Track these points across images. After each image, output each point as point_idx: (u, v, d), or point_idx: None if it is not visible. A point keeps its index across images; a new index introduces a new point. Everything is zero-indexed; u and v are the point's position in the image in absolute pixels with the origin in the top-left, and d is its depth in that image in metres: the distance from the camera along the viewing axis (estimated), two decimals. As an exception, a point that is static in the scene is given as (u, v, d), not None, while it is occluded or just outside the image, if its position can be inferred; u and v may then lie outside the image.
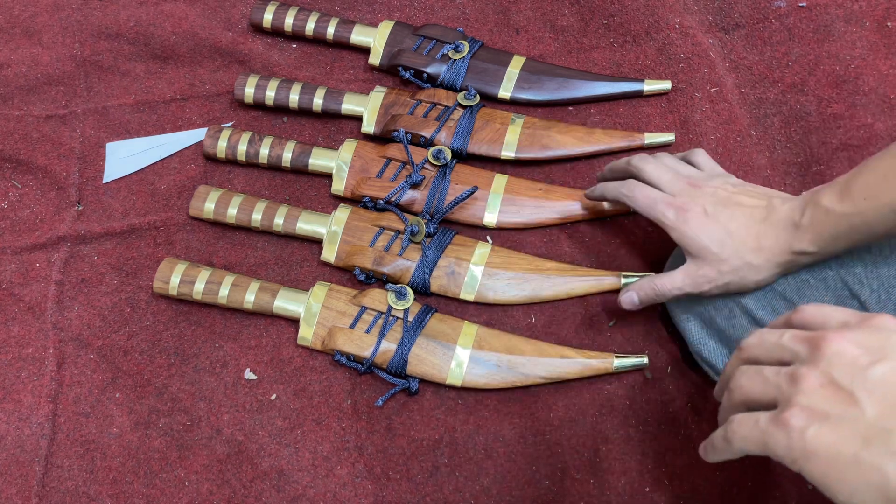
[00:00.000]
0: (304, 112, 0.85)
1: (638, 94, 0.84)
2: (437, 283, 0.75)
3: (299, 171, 0.82)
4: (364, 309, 0.72)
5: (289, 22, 0.88)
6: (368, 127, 0.82)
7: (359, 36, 0.88)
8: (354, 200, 0.80)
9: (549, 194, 0.78)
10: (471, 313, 0.75)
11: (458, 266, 0.75)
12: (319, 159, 0.80)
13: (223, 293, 0.73)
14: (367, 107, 0.83)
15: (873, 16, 0.87)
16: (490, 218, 0.78)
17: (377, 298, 0.72)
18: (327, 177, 0.82)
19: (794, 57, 0.86)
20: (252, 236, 0.80)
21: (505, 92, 0.84)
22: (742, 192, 0.64)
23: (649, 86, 0.84)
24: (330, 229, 0.76)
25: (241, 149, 0.81)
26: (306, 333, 0.73)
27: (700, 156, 0.70)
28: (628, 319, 0.74)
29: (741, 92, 0.85)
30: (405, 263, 0.74)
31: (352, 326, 0.72)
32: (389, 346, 0.71)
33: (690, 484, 0.67)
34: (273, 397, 0.72)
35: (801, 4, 0.88)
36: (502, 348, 0.71)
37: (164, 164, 0.84)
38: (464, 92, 0.82)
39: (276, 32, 0.90)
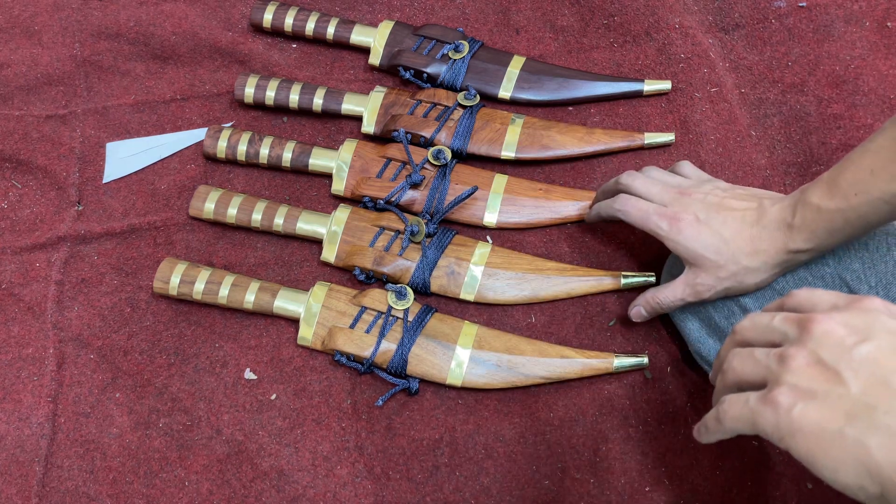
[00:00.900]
0: (304, 112, 0.85)
1: (638, 94, 0.84)
2: (437, 283, 0.75)
3: (299, 171, 0.82)
4: (364, 309, 0.72)
5: (289, 22, 0.88)
6: (368, 127, 0.82)
7: (359, 36, 0.88)
8: (354, 200, 0.80)
9: (549, 194, 0.78)
10: (471, 313, 0.75)
11: (458, 266, 0.75)
12: (319, 159, 0.80)
13: (223, 293, 0.73)
14: (367, 107, 0.83)
15: (873, 16, 0.87)
16: (490, 218, 0.78)
17: (377, 298, 0.72)
18: (327, 177, 0.82)
19: (794, 57, 0.86)
20: (252, 236, 0.80)
21: (505, 92, 0.84)
22: (732, 196, 0.64)
23: (649, 86, 0.84)
24: (330, 229, 0.76)
25: (241, 149, 0.81)
26: (306, 333, 0.73)
27: (686, 167, 0.70)
28: (628, 319, 0.74)
29: (741, 92, 0.85)
30: (405, 263, 0.74)
31: (352, 326, 0.72)
32: (389, 346, 0.71)
33: (690, 484, 0.67)
34: (273, 397, 0.72)
35: (801, 4, 0.88)
36: (502, 348, 0.71)
37: (164, 164, 0.84)
38: (464, 92, 0.82)
39: (276, 32, 0.90)
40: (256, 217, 0.77)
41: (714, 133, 0.82)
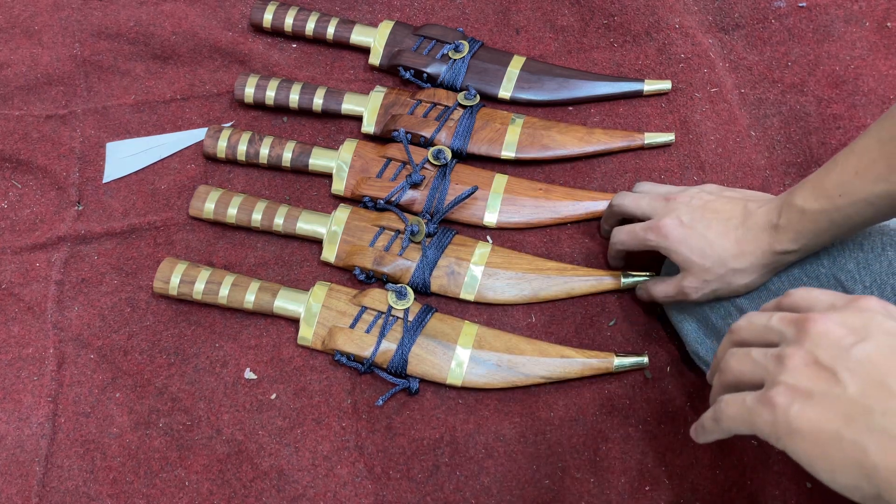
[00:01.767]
0: (304, 112, 0.85)
1: (638, 94, 0.84)
2: (438, 282, 0.75)
3: (299, 171, 0.82)
4: (364, 309, 0.72)
5: (289, 22, 0.88)
6: (368, 127, 0.83)
7: (359, 36, 0.88)
8: (354, 200, 0.80)
9: (549, 194, 0.78)
10: (471, 313, 0.75)
11: (458, 266, 0.75)
12: (319, 159, 0.80)
13: (223, 293, 0.73)
14: (367, 107, 0.83)
15: (873, 16, 0.87)
16: (490, 218, 0.78)
17: (377, 298, 0.72)
18: (327, 177, 0.82)
19: (793, 57, 0.86)
20: (252, 236, 0.80)
21: (505, 92, 0.84)
22: (717, 199, 0.65)
23: (649, 86, 0.84)
24: (330, 229, 0.76)
25: (241, 149, 0.81)
26: (306, 333, 0.73)
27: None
28: (628, 319, 0.74)
29: (741, 92, 0.85)
30: (405, 263, 0.74)
31: (352, 326, 0.72)
32: (389, 345, 0.71)
33: (690, 483, 0.68)
34: (273, 397, 0.72)
35: (801, 4, 0.88)
36: (502, 348, 0.71)
37: (164, 164, 0.84)
38: (464, 92, 0.82)
39: (276, 32, 0.90)
40: (256, 217, 0.77)
41: (714, 133, 0.82)
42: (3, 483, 0.69)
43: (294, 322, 0.74)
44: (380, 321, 0.72)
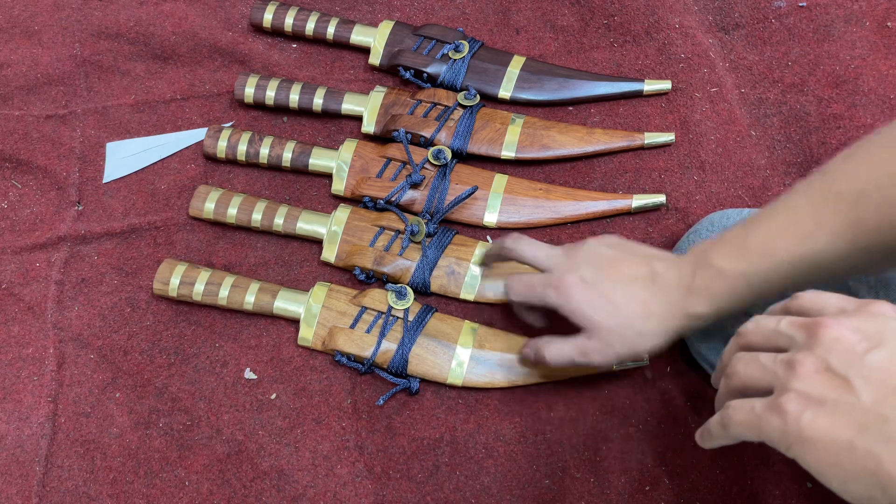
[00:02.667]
0: (304, 112, 0.85)
1: (638, 94, 0.84)
2: (438, 282, 0.75)
3: (299, 171, 0.82)
4: (364, 309, 0.72)
5: (289, 22, 0.88)
6: (368, 127, 0.83)
7: (359, 36, 0.88)
8: (354, 200, 0.80)
9: (549, 194, 0.78)
10: (471, 313, 0.75)
11: (458, 266, 0.75)
12: (319, 159, 0.80)
13: (223, 294, 0.73)
14: (367, 107, 0.83)
15: (873, 16, 0.87)
16: (490, 218, 0.78)
17: (377, 298, 0.72)
18: (327, 177, 0.82)
19: (794, 57, 0.86)
20: (252, 236, 0.80)
21: (505, 92, 0.84)
22: (621, 256, 0.61)
23: (649, 86, 0.84)
24: (330, 229, 0.76)
25: (241, 149, 0.81)
26: (306, 334, 0.73)
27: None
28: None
29: (741, 92, 0.85)
30: (405, 263, 0.74)
31: (352, 326, 0.72)
32: (390, 345, 0.70)
33: (691, 483, 0.67)
34: (273, 397, 0.72)
35: (801, 4, 0.88)
36: (503, 347, 0.71)
37: (164, 164, 0.84)
38: (464, 92, 0.82)
39: (276, 32, 0.90)
40: (256, 217, 0.77)
41: (714, 133, 0.82)
42: (3, 483, 0.69)
43: (294, 322, 0.74)
44: (380, 321, 0.71)
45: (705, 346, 0.67)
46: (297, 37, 0.90)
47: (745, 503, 0.67)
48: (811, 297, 0.47)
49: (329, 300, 0.73)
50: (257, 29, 0.90)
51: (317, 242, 0.78)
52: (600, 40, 0.88)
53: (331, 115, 0.85)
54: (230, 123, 0.86)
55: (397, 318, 0.71)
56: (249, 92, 0.84)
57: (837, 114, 0.82)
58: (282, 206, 0.78)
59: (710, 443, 0.48)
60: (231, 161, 0.82)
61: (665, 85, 0.84)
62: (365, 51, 0.89)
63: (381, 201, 0.78)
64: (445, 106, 0.82)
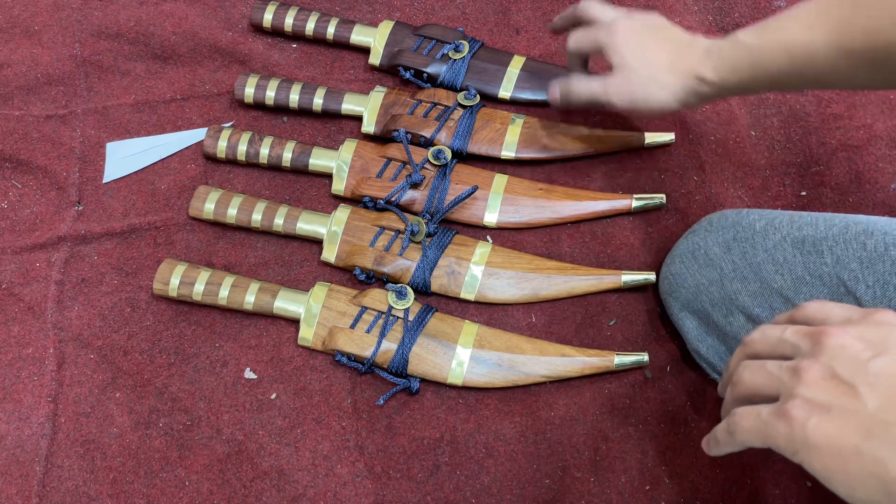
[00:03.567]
0: (304, 112, 0.85)
1: (638, 94, 0.84)
2: (438, 282, 0.75)
3: (299, 171, 0.82)
4: (364, 309, 0.72)
5: (289, 22, 0.88)
6: (368, 127, 0.83)
7: (359, 36, 0.88)
8: (354, 200, 0.80)
9: (549, 194, 0.78)
10: (471, 313, 0.75)
11: (458, 266, 0.75)
12: (319, 159, 0.80)
13: (223, 294, 0.73)
14: (367, 107, 0.83)
15: (872, 16, 0.87)
16: (490, 218, 0.78)
17: (377, 298, 0.72)
18: (327, 177, 0.82)
19: (793, 57, 0.86)
20: (252, 236, 0.80)
21: (505, 92, 0.84)
22: (670, 25, 0.68)
23: (649, 86, 0.84)
24: (330, 229, 0.76)
25: (241, 149, 0.81)
26: (307, 334, 0.73)
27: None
28: (628, 319, 0.74)
29: (741, 92, 0.85)
30: (405, 263, 0.74)
31: (352, 326, 0.72)
32: (390, 345, 0.71)
33: (690, 482, 0.68)
34: (273, 397, 0.72)
35: (800, 4, 0.88)
36: (503, 347, 0.71)
37: (164, 164, 0.84)
38: (464, 92, 0.82)
39: (276, 32, 0.90)
40: (256, 217, 0.77)
41: (714, 133, 0.82)
42: (3, 483, 0.69)
43: (294, 322, 0.74)
44: (380, 321, 0.72)
45: (704, 347, 0.68)
46: (297, 37, 0.90)
47: (745, 503, 0.67)
48: (816, 307, 0.48)
49: (329, 300, 0.73)
50: (257, 29, 0.90)
51: (317, 242, 0.78)
52: (600, 40, 0.88)
53: (331, 115, 0.85)
54: (230, 123, 0.86)
55: (397, 317, 0.71)
56: (249, 92, 0.84)
57: (837, 114, 0.82)
58: (282, 207, 0.78)
59: (716, 450, 0.49)
60: (231, 161, 0.82)
61: (665, 85, 0.84)
62: (365, 51, 0.89)
63: (381, 201, 0.78)
64: (445, 106, 0.82)
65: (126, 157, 0.84)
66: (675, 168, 0.81)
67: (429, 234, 0.75)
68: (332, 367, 0.73)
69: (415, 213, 0.78)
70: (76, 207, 0.82)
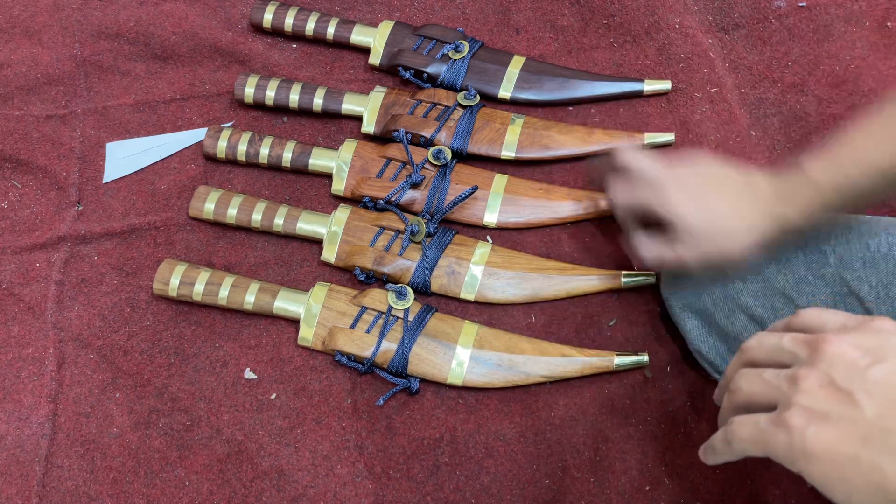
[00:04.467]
0: (304, 112, 0.85)
1: (638, 94, 0.84)
2: (438, 282, 0.75)
3: (299, 171, 0.82)
4: (364, 309, 0.72)
5: (289, 22, 0.88)
6: (368, 127, 0.82)
7: (359, 36, 0.88)
8: (354, 200, 0.80)
9: (549, 194, 0.78)
10: (471, 313, 0.75)
11: (458, 266, 0.75)
12: (319, 159, 0.80)
13: (223, 294, 0.73)
14: (367, 107, 0.83)
15: (873, 16, 0.87)
16: (490, 218, 0.78)
17: (377, 298, 0.72)
18: (327, 177, 0.82)
19: (794, 57, 0.86)
20: (252, 236, 0.80)
21: (505, 92, 0.84)
22: (718, 168, 0.64)
23: (649, 86, 0.84)
24: (330, 229, 0.76)
25: (241, 149, 0.81)
26: (307, 334, 0.73)
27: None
28: (628, 319, 0.74)
29: (741, 92, 0.85)
30: (405, 263, 0.74)
31: (352, 326, 0.72)
32: (390, 345, 0.70)
33: (690, 483, 0.67)
34: (273, 397, 0.72)
35: (801, 4, 0.88)
36: (503, 347, 0.71)
37: (164, 164, 0.84)
38: (464, 92, 0.82)
39: (276, 32, 0.90)
40: (256, 217, 0.77)
41: (714, 133, 0.82)
42: (3, 483, 0.69)
43: (294, 322, 0.74)
44: (380, 321, 0.71)
45: (706, 347, 0.68)
46: (297, 37, 0.90)
47: (745, 503, 0.67)
48: (813, 314, 0.48)
49: (329, 300, 0.73)
50: (257, 29, 0.90)
51: (317, 242, 0.78)
52: (600, 40, 0.88)
53: (331, 115, 0.85)
54: (230, 123, 0.86)
55: (397, 318, 0.71)
56: (249, 92, 0.84)
57: (837, 114, 0.82)
58: (282, 207, 0.78)
59: (713, 459, 0.49)
60: (231, 161, 0.82)
61: (665, 85, 0.84)
62: (365, 51, 0.89)
63: (381, 201, 0.78)
64: (445, 106, 0.82)
65: (126, 157, 0.84)
66: (676, 168, 0.81)
67: (429, 234, 0.75)
68: (332, 368, 0.73)
69: (415, 213, 0.78)
70: (76, 207, 0.82)
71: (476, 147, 0.81)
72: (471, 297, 0.75)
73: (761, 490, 0.67)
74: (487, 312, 0.75)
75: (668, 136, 0.81)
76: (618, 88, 0.84)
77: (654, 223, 0.67)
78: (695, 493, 0.67)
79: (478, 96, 0.82)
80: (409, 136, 0.80)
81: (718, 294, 0.66)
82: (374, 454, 0.69)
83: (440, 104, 0.82)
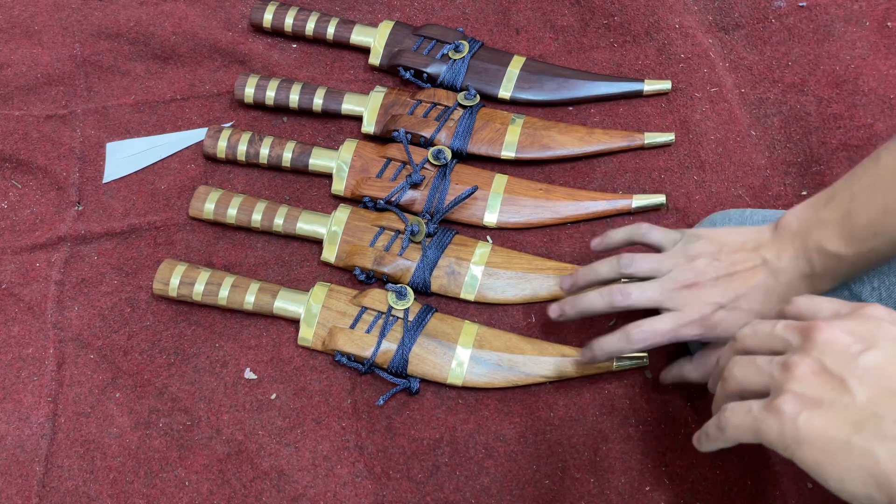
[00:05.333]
0: (304, 112, 0.85)
1: (638, 94, 0.84)
2: (438, 282, 0.75)
3: (299, 171, 0.82)
4: (364, 309, 0.72)
5: (289, 22, 0.88)
6: (368, 127, 0.83)
7: (359, 36, 0.88)
8: (354, 200, 0.80)
9: (549, 194, 0.78)
10: (471, 313, 0.75)
11: (458, 266, 0.75)
12: (319, 159, 0.80)
13: (223, 294, 0.73)
14: (367, 107, 0.83)
15: (873, 16, 0.87)
16: (490, 218, 0.78)
17: (377, 298, 0.72)
18: (327, 177, 0.82)
19: (794, 57, 0.86)
20: (252, 236, 0.80)
21: (505, 92, 0.84)
22: (728, 259, 0.60)
23: (649, 86, 0.84)
24: (330, 229, 0.76)
25: (241, 149, 0.81)
26: (307, 334, 0.73)
27: (652, 233, 0.65)
28: (628, 319, 0.74)
29: (741, 92, 0.85)
30: (405, 263, 0.74)
31: (352, 327, 0.72)
32: (390, 346, 0.70)
33: (690, 483, 0.67)
34: (273, 397, 0.72)
35: (801, 4, 0.88)
36: (503, 347, 0.71)
37: (164, 164, 0.84)
38: (464, 92, 0.82)
39: (276, 32, 0.90)
40: (256, 217, 0.77)
41: (714, 133, 0.82)
42: (3, 483, 0.69)
43: (294, 322, 0.74)
44: (380, 321, 0.71)
45: (705, 346, 0.67)
46: (297, 37, 0.90)
47: (745, 503, 0.67)
48: (806, 302, 0.48)
49: (329, 300, 0.73)
50: (257, 29, 0.90)
51: (317, 242, 0.78)
52: (600, 40, 0.88)
53: (331, 115, 0.85)
54: (230, 123, 0.86)
55: (397, 318, 0.71)
56: (249, 92, 0.84)
57: (837, 114, 0.82)
58: (282, 207, 0.78)
59: (707, 446, 0.49)
60: (231, 161, 0.82)
61: (665, 85, 0.84)
62: (365, 51, 0.89)
63: (381, 201, 0.78)
64: (445, 106, 0.82)
65: (126, 157, 0.84)
66: (675, 168, 0.81)
67: (429, 235, 0.75)
68: (331, 368, 0.73)
69: (415, 214, 0.78)
70: (76, 207, 0.82)
71: (476, 147, 0.81)
72: (471, 298, 0.75)
73: (761, 491, 0.67)
74: (487, 312, 0.75)
75: (668, 136, 0.81)
76: (618, 88, 0.84)
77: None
78: (695, 494, 0.67)
79: (478, 96, 0.82)
80: (409, 136, 0.80)
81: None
82: (374, 454, 0.69)
83: (440, 104, 0.82)
